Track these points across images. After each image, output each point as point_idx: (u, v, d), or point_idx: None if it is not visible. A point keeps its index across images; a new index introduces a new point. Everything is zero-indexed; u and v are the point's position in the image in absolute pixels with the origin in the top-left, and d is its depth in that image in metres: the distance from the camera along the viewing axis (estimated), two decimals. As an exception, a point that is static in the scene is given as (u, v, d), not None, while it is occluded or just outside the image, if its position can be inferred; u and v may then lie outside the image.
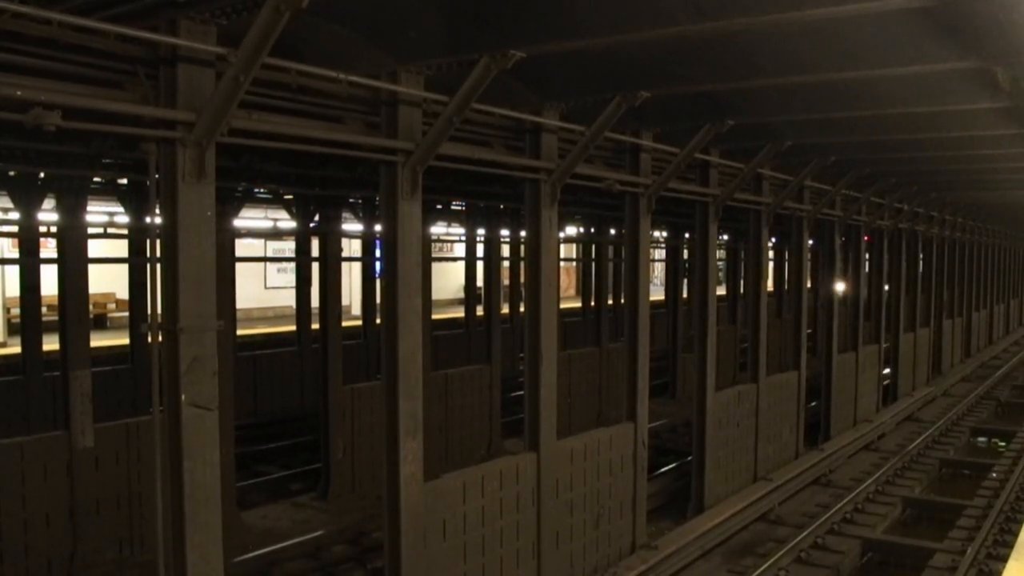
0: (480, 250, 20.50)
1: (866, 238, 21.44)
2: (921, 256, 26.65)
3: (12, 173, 12.28)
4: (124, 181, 13.74)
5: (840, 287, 19.89)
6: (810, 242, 19.11)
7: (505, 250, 21.39)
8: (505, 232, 21.03)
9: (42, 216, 13.10)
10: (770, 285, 20.66)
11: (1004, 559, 10.49)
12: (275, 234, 25.90)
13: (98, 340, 12.86)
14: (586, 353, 21.67)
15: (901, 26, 7.35)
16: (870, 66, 8.47)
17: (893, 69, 8.52)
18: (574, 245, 29.07)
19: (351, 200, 16.99)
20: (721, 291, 28.39)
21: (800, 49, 8.26)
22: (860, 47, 8.07)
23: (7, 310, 27.03)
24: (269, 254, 31.74)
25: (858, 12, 6.68)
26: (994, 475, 16.64)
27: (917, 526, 15.24)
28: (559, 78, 9.54)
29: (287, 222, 20.80)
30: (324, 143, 8.01)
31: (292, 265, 22.93)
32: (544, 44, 7.55)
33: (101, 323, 29.12)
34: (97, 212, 16.80)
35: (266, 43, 5.93)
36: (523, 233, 15.34)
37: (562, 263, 21.47)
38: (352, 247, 25.71)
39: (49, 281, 12.86)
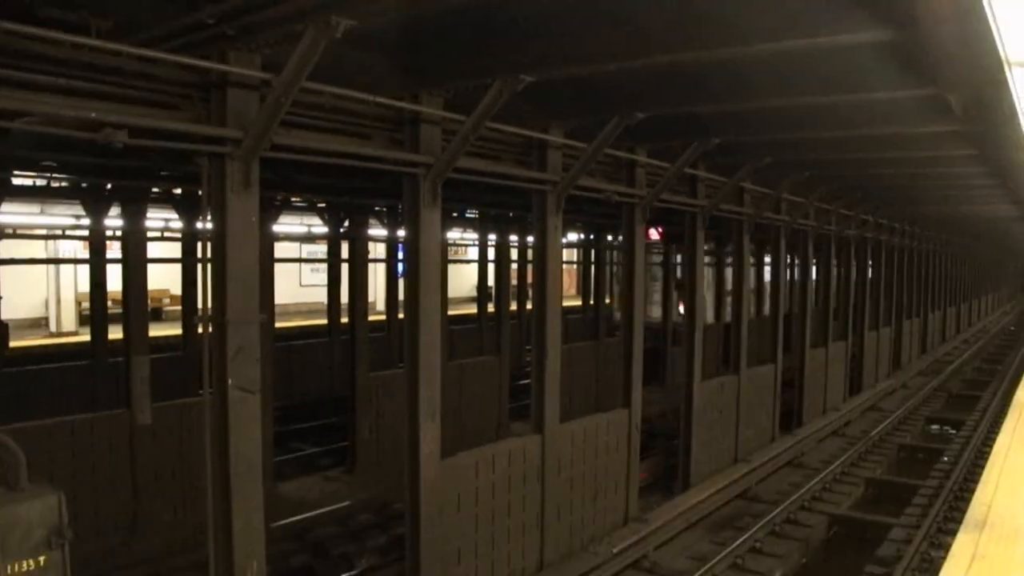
0: (490, 253, 20.51)
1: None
2: (884, 263, 26.58)
3: (84, 184, 12.38)
4: (179, 191, 13.79)
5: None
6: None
7: (513, 253, 21.35)
8: (513, 237, 20.99)
9: (108, 222, 13.20)
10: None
11: (954, 533, 10.47)
12: (309, 238, 25.93)
13: (155, 331, 12.94)
14: (585, 346, 21.66)
15: (868, 56, 7.35)
16: (840, 91, 8.48)
17: (861, 95, 8.54)
18: (575, 249, 29.00)
19: (377, 208, 17.02)
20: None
21: (778, 76, 8.28)
22: (832, 75, 8.09)
23: (79, 304, 27.20)
24: (303, 256, 31.76)
25: (830, 44, 6.69)
26: (945, 459, 16.58)
27: (878, 503, 15.18)
28: (564, 100, 9.56)
29: (320, 228, 20.81)
30: (354, 157, 8.04)
31: (324, 266, 22.89)
32: (550, 70, 7.59)
33: (157, 316, 29.17)
34: (155, 218, 16.86)
35: (304, 69, 5.98)
36: (530, 238, 15.37)
37: (564, 265, 21.40)
38: (377, 250, 25.72)
39: (114, 278, 12.93)
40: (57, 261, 24.94)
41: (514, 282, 22.58)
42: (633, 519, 12.17)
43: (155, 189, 13.09)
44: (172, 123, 6.35)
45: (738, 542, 11.79)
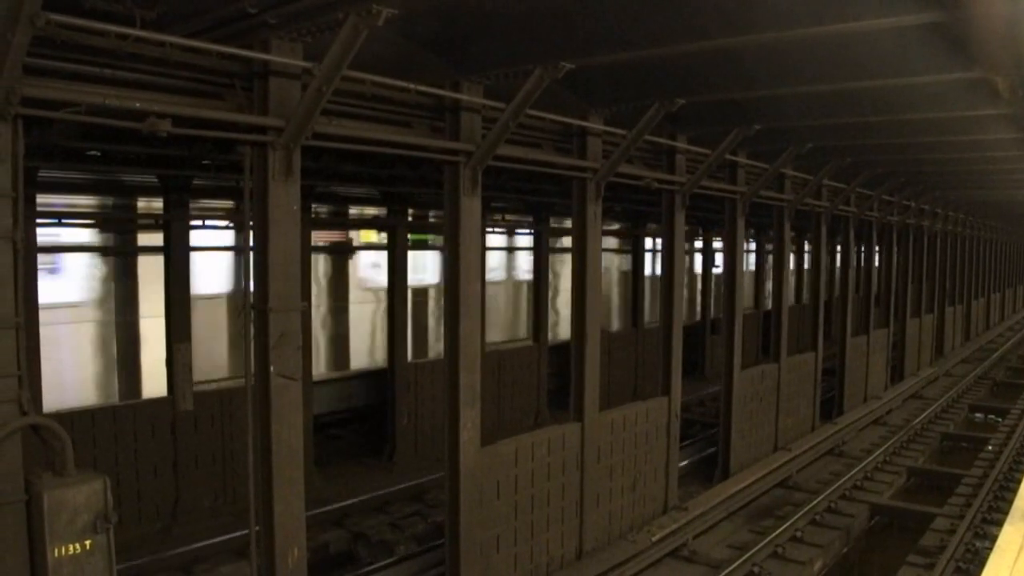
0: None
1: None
2: (926, 249, 26.25)
3: (128, 174, 12.43)
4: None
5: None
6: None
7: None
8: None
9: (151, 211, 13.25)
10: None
11: (999, 523, 10.33)
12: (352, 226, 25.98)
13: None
14: (625, 334, 21.58)
15: (913, 39, 7.25)
16: (884, 76, 8.37)
17: (905, 79, 8.42)
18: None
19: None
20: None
21: (821, 60, 8.19)
22: (875, 59, 7.98)
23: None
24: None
25: (874, 27, 6.62)
26: (990, 448, 16.39)
27: (920, 493, 15.02)
28: (604, 87, 9.53)
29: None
30: (395, 145, 8.07)
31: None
32: (591, 56, 7.56)
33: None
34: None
35: (346, 58, 6.01)
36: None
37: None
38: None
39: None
40: (104, 250, 25.14)
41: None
42: (672, 507, 12.14)
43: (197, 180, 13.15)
44: (215, 112, 6.40)
45: (778, 531, 11.71)
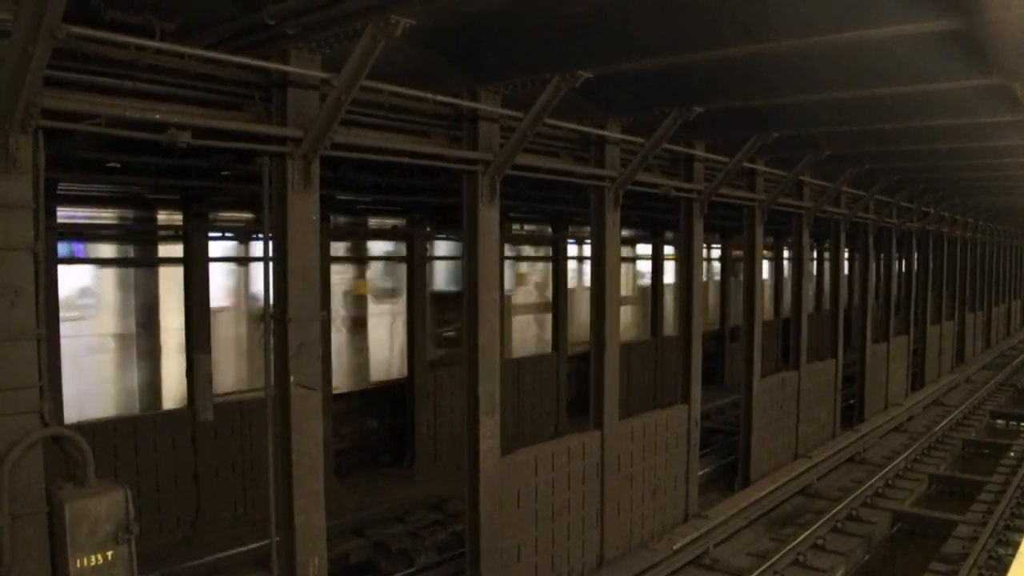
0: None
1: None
2: (946, 256, 26.07)
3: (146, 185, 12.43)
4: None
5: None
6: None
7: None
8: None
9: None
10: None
11: (1022, 530, 10.23)
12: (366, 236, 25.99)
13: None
14: (643, 342, 21.49)
15: (931, 46, 7.19)
16: (902, 82, 8.29)
17: (923, 85, 8.33)
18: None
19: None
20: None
21: (839, 67, 8.14)
22: (893, 65, 7.92)
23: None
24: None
25: (892, 34, 6.55)
26: (1012, 454, 16.24)
27: (942, 500, 14.90)
28: (621, 95, 9.49)
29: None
30: (413, 155, 8.05)
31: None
32: (608, 65, 7.52)
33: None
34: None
35: (364, 68, 6.00)
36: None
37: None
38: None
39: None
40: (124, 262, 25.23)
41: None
42: (693, 515, 12.06)
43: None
44: (234, 123, 6.40)
45: (800, 539, 11.61)
